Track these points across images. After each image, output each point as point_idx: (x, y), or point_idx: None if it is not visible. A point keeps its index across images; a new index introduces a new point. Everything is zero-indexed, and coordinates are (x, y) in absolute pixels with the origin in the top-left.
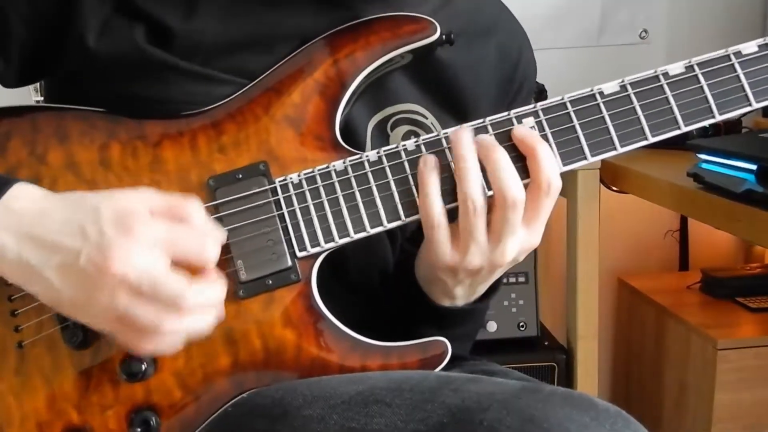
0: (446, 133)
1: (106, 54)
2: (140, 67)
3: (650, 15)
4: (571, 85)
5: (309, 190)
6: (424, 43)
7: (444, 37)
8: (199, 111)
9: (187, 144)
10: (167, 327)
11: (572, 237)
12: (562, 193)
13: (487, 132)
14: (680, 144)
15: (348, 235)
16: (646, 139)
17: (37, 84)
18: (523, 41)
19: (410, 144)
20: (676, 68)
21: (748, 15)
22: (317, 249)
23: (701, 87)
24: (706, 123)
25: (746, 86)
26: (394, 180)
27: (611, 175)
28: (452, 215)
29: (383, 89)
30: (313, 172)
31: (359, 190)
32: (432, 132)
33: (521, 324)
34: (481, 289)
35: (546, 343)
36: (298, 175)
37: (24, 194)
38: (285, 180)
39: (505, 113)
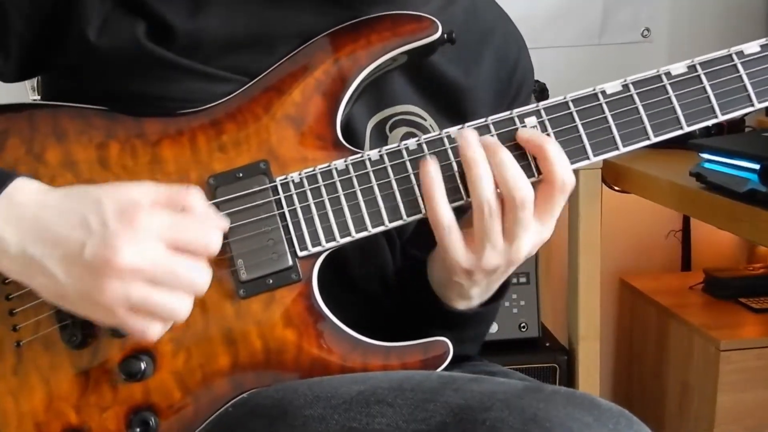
0: (448, 132)
1: (107, 49)
2: (140, 64)
3: (652, 13)
4: (572, 84)
5: (310, 189)
6: (425, 42)
7: (445, 36)
8: (198, 109)
9: (187, 143)
10: (187, 309)
11: (574, 237)
12: None
13: (489, 131)
14: (682, 143)
15: (349, 234)
16: (648, 139)
17: (35, 83)
18: (520, 45)
19: (412, 143)
20: (678, 68)
21: (750, 14)
22: (318, 248)
23: (703, 87)
24: (708, 123)
25: (749, 86)
26: (395, 179)
27: (613, 175)
28: (457, 213)
29: (382, 90)
30: (314, 170)
31: (361, 189)
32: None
33: (522, 325)
34: (495, 286)
35: (547, 344)
36: (299, 174)
37: (26, 188)
38: (286, 179)
39: (507, 112)
